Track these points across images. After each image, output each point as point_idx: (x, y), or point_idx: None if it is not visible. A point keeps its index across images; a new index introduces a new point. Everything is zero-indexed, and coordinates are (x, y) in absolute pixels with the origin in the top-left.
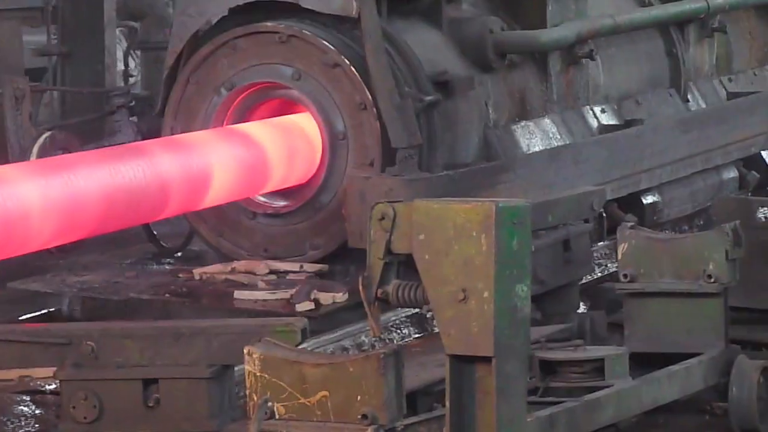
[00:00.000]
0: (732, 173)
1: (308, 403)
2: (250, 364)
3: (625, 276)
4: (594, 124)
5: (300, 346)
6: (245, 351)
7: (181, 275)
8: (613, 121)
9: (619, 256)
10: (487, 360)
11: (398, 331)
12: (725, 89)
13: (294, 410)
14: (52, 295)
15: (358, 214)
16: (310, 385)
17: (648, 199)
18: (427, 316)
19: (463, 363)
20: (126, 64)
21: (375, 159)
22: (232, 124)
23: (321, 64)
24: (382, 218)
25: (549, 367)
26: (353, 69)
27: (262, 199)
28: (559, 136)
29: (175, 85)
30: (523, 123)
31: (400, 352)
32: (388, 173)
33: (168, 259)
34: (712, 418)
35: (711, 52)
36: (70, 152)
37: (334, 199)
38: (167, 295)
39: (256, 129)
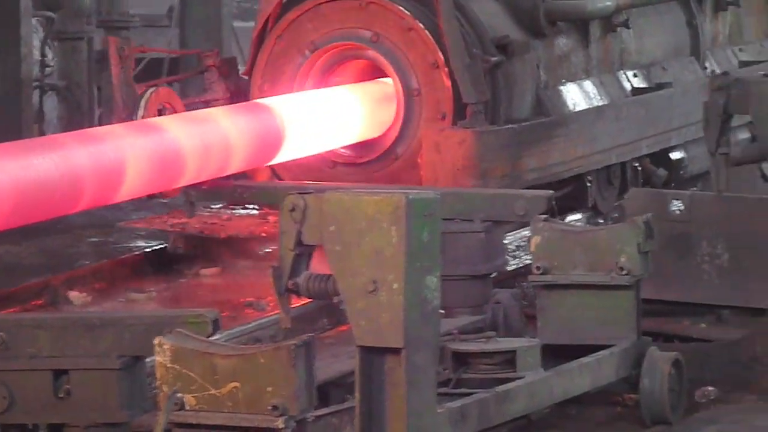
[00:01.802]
0: (744, 134)
1: (218, 394)
2: (161, 355)
3: (538, 268)
4: (627, 86)
5: (212, 338)
6: (156, 342)
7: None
8: (644, 84)
9: (533, 249)
10: (396, 351)
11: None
12: (737, 58)
13: (204, 401)
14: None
15: (434, 163)
16: (220, 376)
17: (675, 155)
18: (340, 307)
19: (373, 354)
20: (43, 54)
21: (447, 113)
22: (315, 83)
23: (397, 28)
24: (293, 210)
25: (461, 359)
26: (427, 32)
27: (343, 150)
28: (599, 97)
29: (262, 46)
30: (568, 84)
31: (311, 344)
32: (460, 125)
33: (252, 206)
34: (623, 410)
35: (725, 24)
36: (174, 108)
37: (408, 150)
38: (263, 234)
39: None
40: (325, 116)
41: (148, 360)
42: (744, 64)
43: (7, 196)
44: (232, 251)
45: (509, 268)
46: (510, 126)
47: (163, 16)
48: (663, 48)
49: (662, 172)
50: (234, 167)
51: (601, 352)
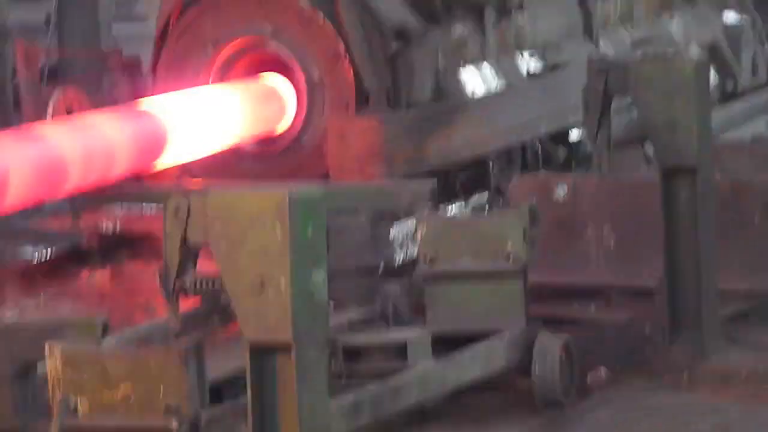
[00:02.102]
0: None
1: (111, 398)
2: (52, 361)
3: (425, 259)
4: (525, 68)
5: (104, 341)
6: (46, 348)
7: None
8: (540, 66)
9: (419, 240)
10: (286, 348)
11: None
12: (630, 37)
13: (97, 405)
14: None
15: (339, 152)
16: (112, 379)
17: (573, 135)
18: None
19: (263, 351)
20: None
21: (350, 102)
22: (218, 79)
23: (297, 20)
24: (177, 210)
25: (352, 352)
26: (327, 23)
27: (250, 143)
28: (497, 80)
29: (165, 45)
30: (466, 69)
31: (202, 344)
32: (363, 113)
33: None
34: (516, 396)
35: (616, 4)
36: (82, 108)
37: (314, 140)
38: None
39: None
40: (208, 116)
41: (39, 365)
42: (636, 42)
43: None
44: (130, 251)
45: (396, 260)
46: (412, 111)
47: (40, 24)
48: (557, 29)
49: (561, 151)
50: (117, 172)
51: (491, 340)
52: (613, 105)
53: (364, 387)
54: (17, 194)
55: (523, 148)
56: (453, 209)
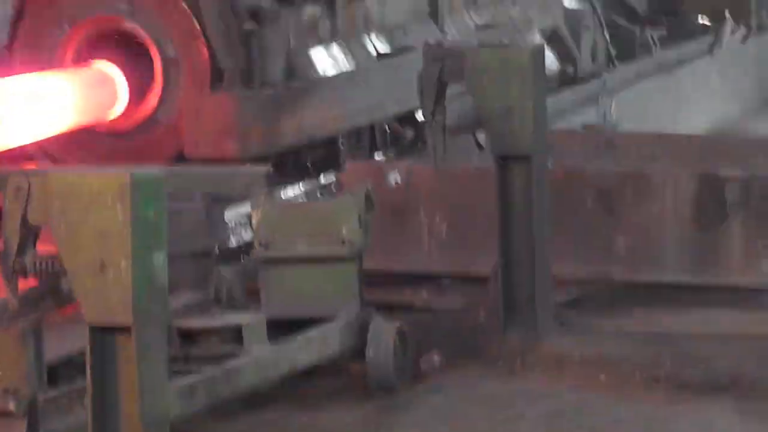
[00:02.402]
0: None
1: None
2: None
3: (260, 243)
4: (373, 50)
5: None
6: None
7: None
8: (387, 49)
9: (254, 224)
10: (127, 329)
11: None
12: (473, 21)
13: None
14: None
15: (194, 129)
16: None
17: (420, 117)
18: (65, 288)
19: (103, 333)
20: None
21: (205, 80)
22: (74, 57)
23: None
24: (17, 190)
25: (188, 336)
26: (183, 2)
27: (108, 121)
28: (346, 61)
29: (21, 23)
30: (317, 50)
31: (40, 325)
32: (218, 91)
33: None
34: (350, 380)
35: None
36: None
37: (170, 117)
38: None
39: None
40: (37, 103)
41: None
42: (480, 27)
43: None
44: None
45: (231, 245)
46: (266, 90)
47: None
48: (404, 13)
49: (409, 132)
50: None
51: (326, 325)
52: (449, 92)
53: (199, 371)
54: None
55: (372, 129)
56: (291, 192)
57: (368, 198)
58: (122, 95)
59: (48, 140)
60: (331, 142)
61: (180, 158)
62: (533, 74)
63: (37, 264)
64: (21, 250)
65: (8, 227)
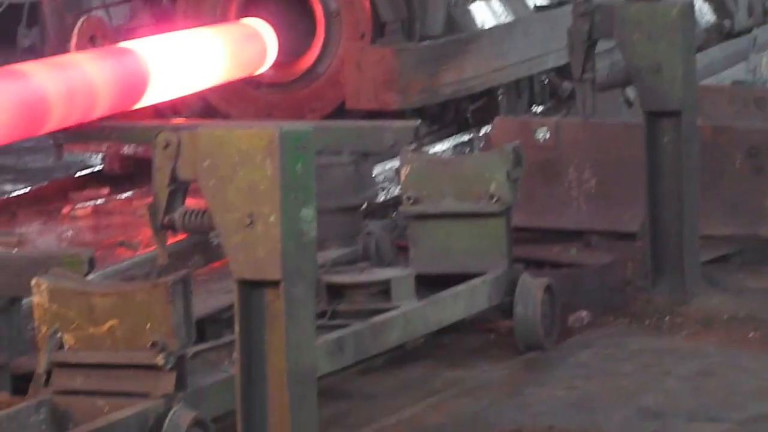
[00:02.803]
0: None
1: (97, 333)
2: (39, 296)
3: (408, 198)
4: (531, 4)
5: (88, 277)
6: (33, 282)
7: None
8: (546, 2)
9: (402, 179)
10: (275, 284)
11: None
12: None
13: (83, 340)
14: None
15: (355, 81)
16: (98, 314)
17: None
18: (213, 243)
19: (251, 288)
20: None
21: (366, 32)
22: (238, 7)
23: None
24: (167, 146)
25: (336, 291)
26: None
27: (267, 71)
28: (505, 14)
29: None
30: (476, 2)
31: (188, 279)
32: (380, 44)
33: None
34: (497, 337)
35: None
36: (105, 35)
37: (330, 69)
38: None
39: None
40: (189, 58)
41: (24, 301)
42: None
43: None
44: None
45: (379, 200)
46: (427, 42)
47: None
48: None
49: (567, 85)
50: (99, 111)
51: (474, 280)
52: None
53: (347, 326)
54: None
55: (531, 81)
56: (439, 147)
57: (517, 153)
58: (271, 52)
59: (210, 92)
60: (489, 95)
61: (340, 110)
62: (683, 29)
63: (186, 219)
64: (170, 205)
65: (158, 182)
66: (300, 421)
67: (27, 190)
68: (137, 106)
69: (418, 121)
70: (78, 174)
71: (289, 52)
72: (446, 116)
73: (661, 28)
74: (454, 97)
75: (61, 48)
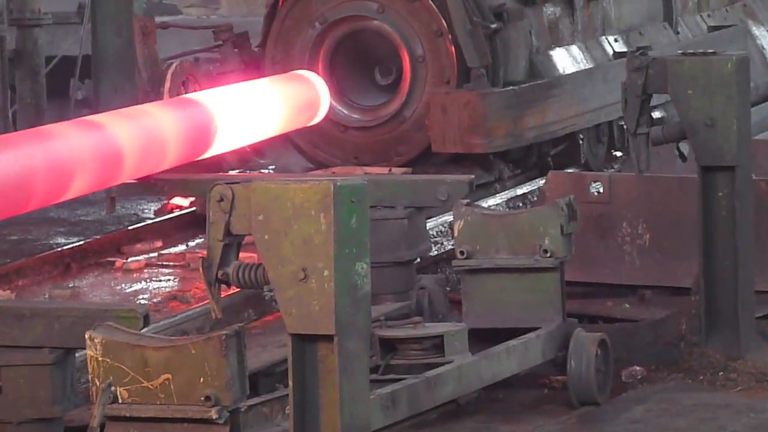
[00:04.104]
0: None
1: (151, 387)
2: (92, 349)
3: (462, 253)
4: (609, 50)
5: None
6: (87, 336)
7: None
8: (624, 49)
9: (456, 233)
10: (328, 338)
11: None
12: (705, 23)
13: (137, 394)
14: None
15: (441, 124)
16: (152, 368)
17: (656, 114)
18: (266, 297)
19: (305, 342)
20: None
21: (451, 78)
22: (326, 54)
23: None
24: (221, 200)
25: (389, 345)
26: (430, 2)
27: (354, 115)
28: (585, 61)
29: (274, 20)
30: (557, 49)
31: (242, 333)
32: (465, 89)
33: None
34: (551, 392)
35: None
36: (196, 79)
37: (415, 113)
38: None
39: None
40: (250, 110)
41: (78, 354)
42: (712, 28)
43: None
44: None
45: (432, 254)
46: (511, 88)
47: (73, 14)
48: (639, 14)
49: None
50: (169, 162)
51: (528, 335)
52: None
53: (400, 380)
54: (82, 181)
55: (610, 126)
56: (492, 201)
57: (571, 208)
58: (324, 103)
59: (296, 134)
60: (571, 139)
61: (426, 153)
62: (737, 84)
63: (240, 273)
64: (224, 259)
65: (212, 236)
66: None
67: (81, 242)
68: (202, 156)
69: (473, 176)
70: (131, 227)
71: (377, 97)
72: (529, 160)
73: (715, 82)
74: (537, 141)
75: (154, 93)
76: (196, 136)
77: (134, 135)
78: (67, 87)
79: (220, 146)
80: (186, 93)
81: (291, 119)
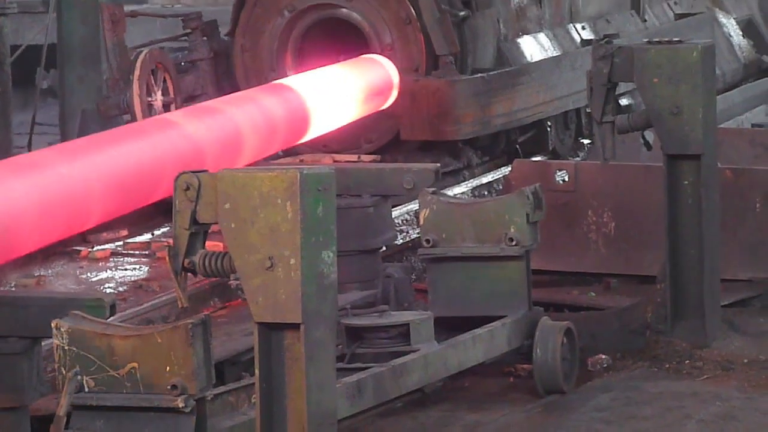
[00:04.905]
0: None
1: (117, 375)
2: (58, 338)
3: (428, 241)
4: (577, 38)
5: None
6: (53, 325)
7: None
8: (591, 37)
9: (421, 222)
10: (295, 327)
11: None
12: (672, 10)
13: (103, 383)
14: None
15: (410, 112)
16: (119, 357)
17: (624, 102)
18: (232, 286)
19: (271, 330)
20: None
21: (420, 65)
22: (294, 42)
23: None
24: (187, 188)
25: (355, 334)
26: None
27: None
28: (552, 48)
29: (243, 8)
30: (524, 37)
31: (208, 322)
32: (434, 76)
33: None
34: (516, 380)
35: None
36: (165, 68)
37: None
38: None
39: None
40: (340, 95)
41: (44, 343)
42: (679, 16)
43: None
44: None
45: (398, 242)
46: (479, 75)
47: (39, 3)
48: (607, 2)
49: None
50: (276, 147)
51: (494, 324)
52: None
53: (366, 369)
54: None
55: (578, 113)
56: (458, 190)
57: (537, 196)
58: (396, 85)
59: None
60: (539, 126)
61: (395, 141)
62: (703, 72)
63: (206, 262)
64: (190, 247)
65: (178, 225)
66: None
67: None
68: (300, 141)
69: (438, 165)
70: None
71: None
72: (497, 147)
73: (681, 70)
74: (505, 128)
75: (123, 81)
76: (297, 122)
77: (251, 119)
78: (33, 76)
79: (313, 132)
80: (154, 82)
81: (371, 103)
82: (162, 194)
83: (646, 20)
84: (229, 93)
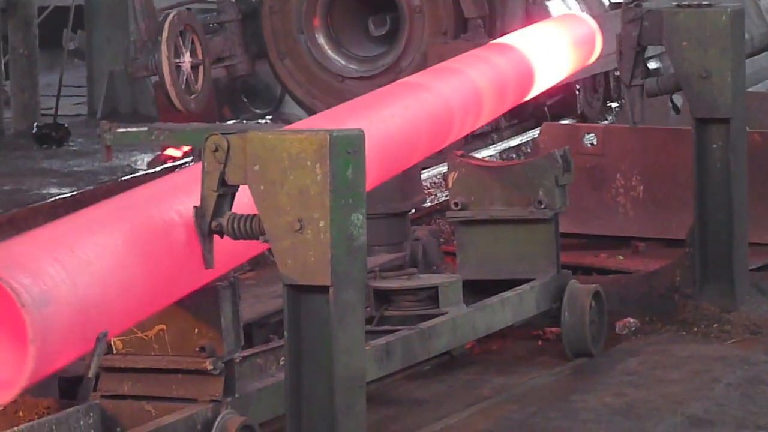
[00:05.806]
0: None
1: (145, 337)
2: None
3: (456, 204)
4: (606, 1)
5: None
6: None
7: None
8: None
9: (450, 185)
10: (324, 289)
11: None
12: None
13: (132, 344)
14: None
15: None
16: (147, 319)
17: (652, 65)
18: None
19: (300, 293)
20: None
21: (449, 28)
22: (322, 3)
23: None
24: (216, 150)
25: (383, 296)
26: None
27: (351, 66)
28: (581, 11)
29: None
30: (553, 0)
31: (236, 284)
32: (463, 39)
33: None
34: (545, 343)
35: None
36: (193, 29)
37: (412, 63)
38: None
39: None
40: (553, 51)
41: None
42: None
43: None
44: None
45: (426, 205)
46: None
47: None
48: None
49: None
50: (505, 107)
51: (522, 287)
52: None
53: (395, 332)
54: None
55: (606, 77)
56: (487, 153)
57: (566, 159)
58: (599, 42)
59: (294, 84)
60: (567, 90)
61: None
62: (732, 36)
63: (235, 223)
64: (218, 209)
65: (206, 186)
66: (348, 427)
67: (74, 193)
68: (525, 99)
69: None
70: (123, 178)
71: (374, 47)
72: (525, 111)
73: (710, 34)
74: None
75: (151, 43)
76: (523, 82)
77: (488, 80)
78: (60, 37)
79: (535, 91)
80: (183, 43)
81: (581, 58)
82: (417, 158)
83: None
84: (256, 54)
